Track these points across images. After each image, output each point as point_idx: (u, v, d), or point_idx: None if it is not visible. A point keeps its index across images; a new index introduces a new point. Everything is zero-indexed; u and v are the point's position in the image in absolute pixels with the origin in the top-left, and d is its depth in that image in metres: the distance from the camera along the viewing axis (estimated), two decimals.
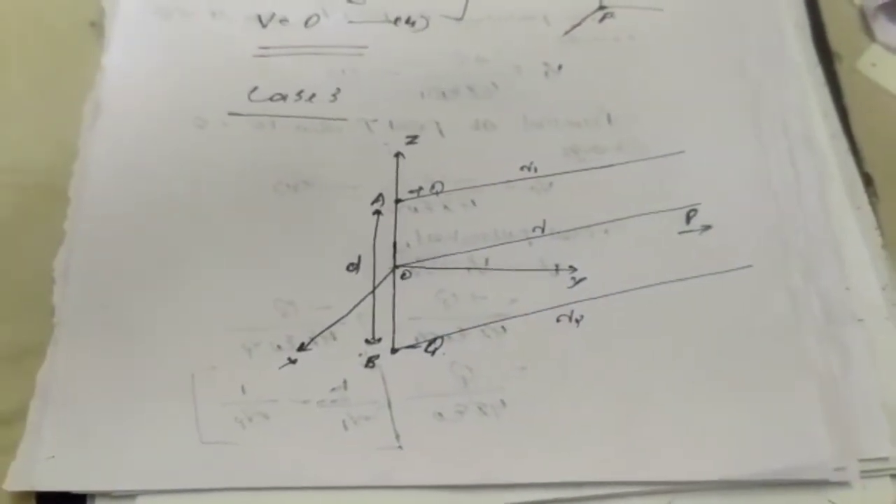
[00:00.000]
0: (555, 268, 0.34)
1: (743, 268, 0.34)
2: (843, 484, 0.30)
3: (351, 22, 0.39)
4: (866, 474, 0.30)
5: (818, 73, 0.38)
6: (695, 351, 0.32)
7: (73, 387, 0.32)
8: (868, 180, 0.37)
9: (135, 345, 0.33)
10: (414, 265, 0.34)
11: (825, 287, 0.33)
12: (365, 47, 0.38)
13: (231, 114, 0.36)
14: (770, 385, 0.32)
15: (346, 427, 0.31)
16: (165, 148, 0.36)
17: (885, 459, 0.30)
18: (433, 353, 0.32)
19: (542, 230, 0.35)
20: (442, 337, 0.33)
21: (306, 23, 0.39)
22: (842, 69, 0.39)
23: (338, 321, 0.33)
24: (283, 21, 0.39)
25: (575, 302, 0.33)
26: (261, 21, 0.39)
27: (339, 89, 0.37)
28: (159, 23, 0.38)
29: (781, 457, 0.30)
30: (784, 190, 0.35)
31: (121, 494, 0.30)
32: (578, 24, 0.39)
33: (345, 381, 0.32)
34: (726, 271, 0.34)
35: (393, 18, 0.39)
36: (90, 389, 0.32)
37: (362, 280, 0.34)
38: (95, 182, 0.35)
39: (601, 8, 0.39)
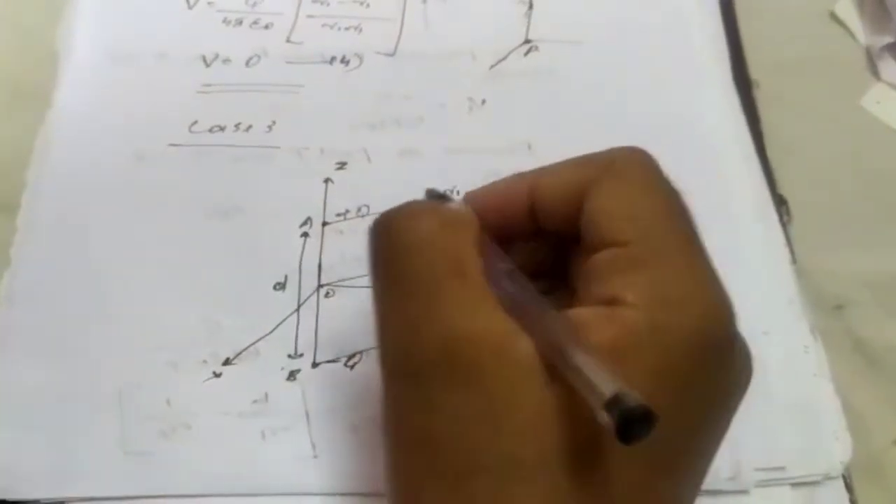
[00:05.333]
0: None
1: None
2: (740, 493, 0.31)
3: (289, 62, 0.41)
4: (764, 483, 0.31)
5: (735, 100, 0.40)
6: None
7: (10, 401, 0.33)
8: (782, 201, 0.38)
9: (68, 363, 0.34)
10: (337, 284, 0.35)
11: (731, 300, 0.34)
12: (301, 86, 0.40)
13: (171, 145, 0.39)
14: None
15: (264, 437, 0.32)
16: (106, 179, 0.38)
17: (782, 469, 0.31)
18: (352, 367, 0.34)
19: None
20: (361, 352, 0.34)
21: (247, 63, 0.41)
22: (759, 95, 0.41)
23: (262, 337, 0.34)
24: (226, 61, 0.41)
25: None
26: (205, 61, 0.41)
27: (274, 122, 0.39)
28: (109, 65, 0.41)
29: None
30: (694, 208, 0.36)
31: (48, 502, 0.32)
32: (504, 59, 0.41)
33: (266, 394, 0.33)
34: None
35: (329, 58, 0.41)
36: (25, 404, 0.33)
37: (288, 299, 0.35)
38: (41, 211, 0.37)
39: (527, 42, 0.41)
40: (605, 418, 0.19)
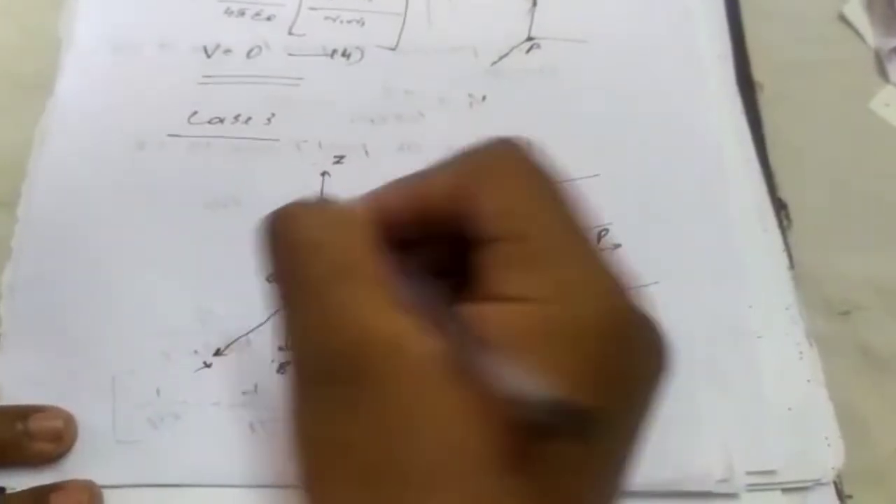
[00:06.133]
0: None
1: (649, 284, 0.35)
2: (731, 496, 0.31)
3: (290, 55, 0.41)
4: (755, 487, 0.31)
5: (737, 102, 0.40)
6: None
7: (9, 389, 0.34)
8: (782, 205, 0.38)
9: (66, 350, 0.34)
10: None
11: (728, 304, 0.34)
12: (301, 79, 0.40)
13: (170, 135, 0.39)
14: (668, 397, 0.32)
15: (252, 429, 0.32)
16: (106, 168, 0.38)
17: (773, 473, 0.31)
18: None
19: None
20: None
21: (248, 54, 0.41)
22: (763, 98, 0.41)
23: (254, 328, 0.34)
24: (227, 52, 0.41)
25: None
26: (206, 52, 0.41)
27: (273, 114, 0.39)
28: (111, 54, 0.41)
29: (668, 467, 0.31)
30: (693, 211, 0.36)
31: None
32: (506, 55, 0.41)
33: (256, 386, 0.33)
34: (633, 288, 0.34)
35: (330, 51, 0.41)
36: (24, 392, 0.33)
37: None
38: (42, 202, 0.38)
39: (529, 39, 0.41)
40: (540, 417, 0.18)
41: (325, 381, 0.21)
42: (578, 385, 0.20)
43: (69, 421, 0.33)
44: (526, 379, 0.19)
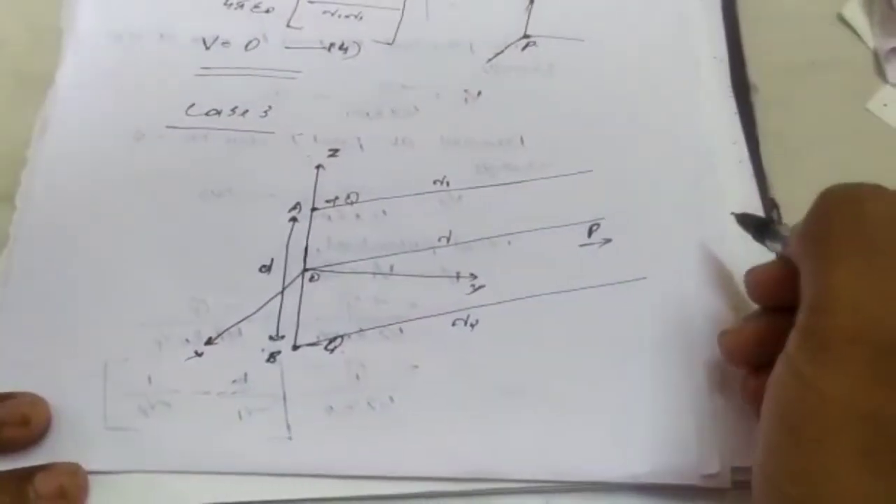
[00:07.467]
0: (455, 275, 0.35)
1: (638, 279, 0.35)
2: (718, 491, 0.31)
3: (288, 48, 0.41)
4: (743, 483, 0.31)
5: (731, 103, 0.40)
6: (585, 357, 0.33)
7: (2, 376, 0.34)
8: (773, 205, 0.38)
9: (58, 337, 0.35)
10: (322, 269, 0.36)
11: (717, 300, 0.34)
12: (299, 72, 0.40)
13: (168, 127, 0.39)
14: (656, 391, 0.33)
15: (241, 417, 0.33)
16: (104, 158, 0.38)
17: None
18: (332, 351, 0.34)
19: (448, 240, 0.36)
20: (342, 336, 0.34)
21: (246, 46, 0.41)
22: (758, 99, 0.41)
23: (245, 318, 0.35)
24: (226, 44, 0.41)
25: (472, 307, 0.34)
26: (205, 43, 0.41)
27: (270, 107, 0.39)
28: (111, 43, 0.41)
29: (654, 461, 0.31)
30: (684, 208, 0.36)
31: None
32: (501, 52, 0.41)
33: (245, 375, 0.34)
34: (622, 282, 0.35)
35: (327, 44, 0.41)
36: (16, 378, 0.34)
37: (273, 281, 0.35)
38: (40, 190, 0.38)
39: (525, 36, 0.41)
40: None
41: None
42: None
43: (37, 404, 0.33)
44: None
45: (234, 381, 0.33)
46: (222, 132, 0.39)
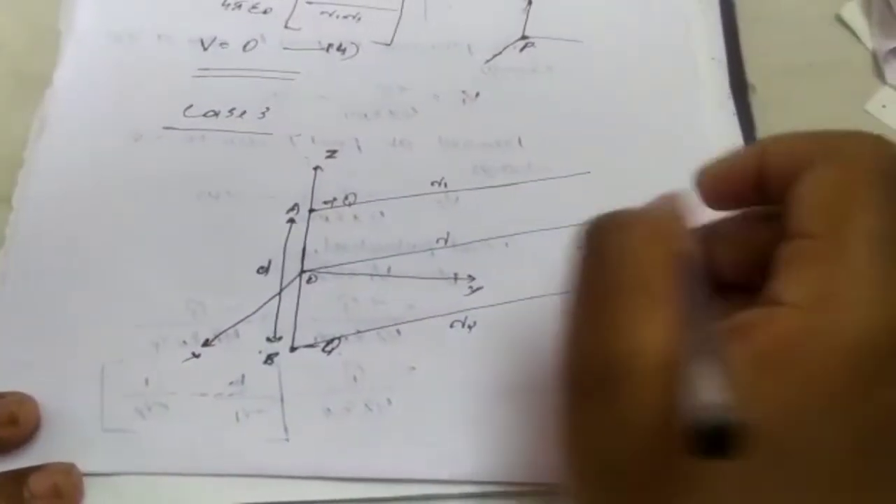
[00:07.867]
0: (454, 277, 0.35)
1: None
2: None
3: (286, 49, 0.41)
4: None
5: (729, 104, 0.40)
6: None
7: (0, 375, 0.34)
8: None
9: (56, 338, 0.35)
10: (320, 270, 0.36)
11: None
12: (297, 73, 0.40)
13: (166, 128, 0.39)
14: None
15: (238, 419, 0.33)
16: (102, 159, 0.38)
17: None
18: (329, 352, 0.34)
19: (446, 242, 0.36)
20: (339, 338, 0.34)
21: (244, 47, 0.41)
22: (756, 100, 0.41)
23: (243, 319, 0.35)
24: (224, 45, 0.41)
25: (470, 309, 0.35)
26: (203, 44, 0.41)
27: (268, 108, 0.39)
28: (109, 44, 0.41)
29: None
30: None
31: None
32: (499, 53, 0.41)
33: (243, 376, 0.34)
34: None
35: (325, 45, 0.41)
36: (14, 379, 0.34)
37: (270, 282, 0.35)
38: (37, 192, 0.38)
39: (523, 38, 0.41)
40: (686, 429, 0.18)
41: (583, 392, 0.23)
42: (806, 408, 0.20)
43: (24, 403, 0.32)
44: (712, 393, 0.18)
45: (231, 383, 0.33)
46: (220, 133, 0.39)
